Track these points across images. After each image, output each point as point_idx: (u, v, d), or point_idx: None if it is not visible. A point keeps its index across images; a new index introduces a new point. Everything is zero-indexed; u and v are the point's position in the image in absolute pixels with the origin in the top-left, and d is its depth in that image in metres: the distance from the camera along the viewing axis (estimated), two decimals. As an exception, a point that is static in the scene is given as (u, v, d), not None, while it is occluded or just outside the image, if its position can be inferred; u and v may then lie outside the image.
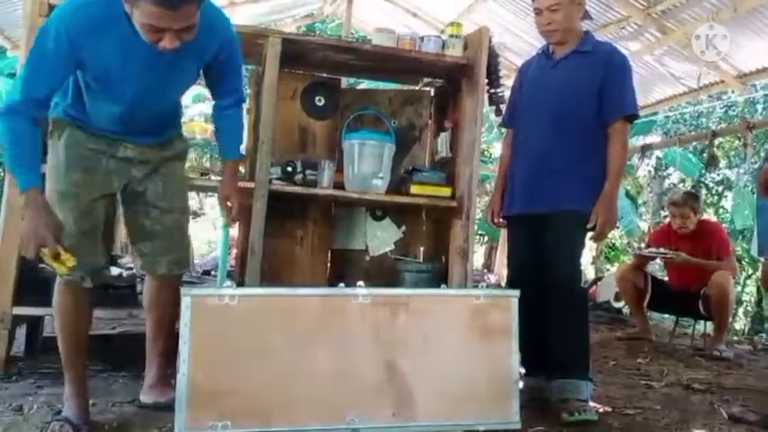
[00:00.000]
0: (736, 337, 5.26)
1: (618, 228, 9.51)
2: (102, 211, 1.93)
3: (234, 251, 4.66)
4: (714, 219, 10.26)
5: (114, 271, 3.29)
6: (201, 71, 1.97)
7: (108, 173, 1.93)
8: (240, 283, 2.72)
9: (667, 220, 4.60)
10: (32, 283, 2.54)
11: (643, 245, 4.67)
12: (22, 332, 2.75)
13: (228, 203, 2.15)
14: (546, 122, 2.44)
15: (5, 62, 8.31)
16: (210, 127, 2.61)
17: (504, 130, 2.95)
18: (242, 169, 2.52)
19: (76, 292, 1.92)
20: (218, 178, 2.86)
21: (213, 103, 2.14)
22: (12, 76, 7.55)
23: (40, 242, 1.67)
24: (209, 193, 3.85)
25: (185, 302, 1.71)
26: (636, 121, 7.27)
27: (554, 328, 2.36)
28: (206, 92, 2.39)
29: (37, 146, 1.76)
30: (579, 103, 2.39)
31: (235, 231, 2.61)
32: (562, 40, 2.46)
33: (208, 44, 1.83)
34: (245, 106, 2.22)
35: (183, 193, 2.13)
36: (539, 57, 2.62)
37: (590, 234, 2.40)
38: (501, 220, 2.68)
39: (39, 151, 1.77)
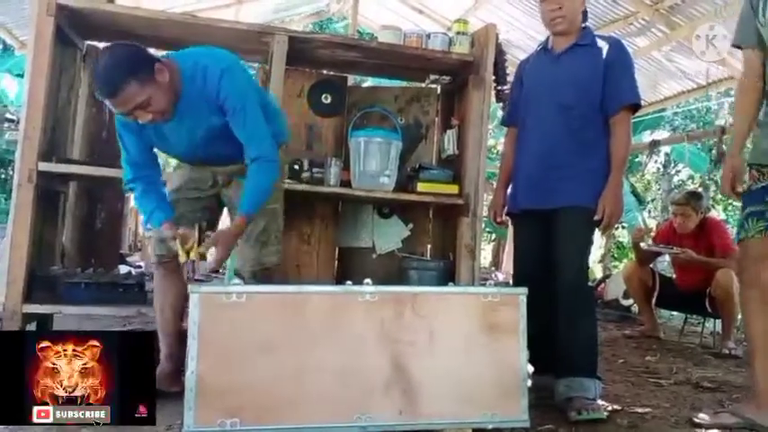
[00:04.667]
0: (745, 335, 5.22)
1: (624, 227, 9.47)
2: (188, 211, 2.22)
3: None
4: (721, 216, 10.19)
5: (123, 269, 3.32)
6: None
7: (196, 181, 2.24)
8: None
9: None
10: (42, 282, 2.56)
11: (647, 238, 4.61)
12: (31, 329, 2.76)
13: (214, 248, 2.10)
14: (549, 117, 2.41)
15: (13, 61, 8.37)
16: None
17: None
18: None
19: (159, 271, 2.26)
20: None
21: None
22: (20, 76, 7.58)
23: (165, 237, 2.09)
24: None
25: (193, 300, 1.71)
26: (644, 118, 7.21)
27: (562, 326, 2.34)
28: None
29: (160, 195, 2.14)
30: (582, 95, 2.37)
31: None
32: (566, 29, 2.43)
33: (209, 93, 1.99)
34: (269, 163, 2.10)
35: None
36: (537, 53, 2.60)
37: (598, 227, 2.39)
38: (503, 218, 2.66)
39: (164, 198, 2.14)
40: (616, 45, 2.44)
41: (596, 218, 2.32)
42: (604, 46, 2.41)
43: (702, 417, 2.32)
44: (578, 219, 2.35)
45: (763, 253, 2.17)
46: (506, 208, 2.64)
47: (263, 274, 2.25)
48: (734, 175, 2.21)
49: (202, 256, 2.08)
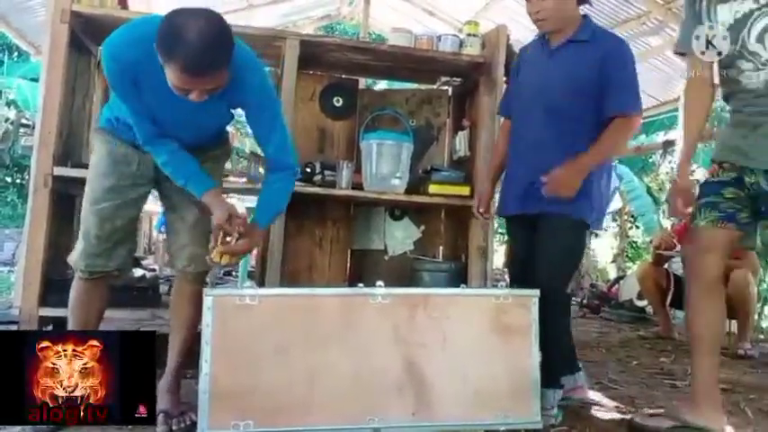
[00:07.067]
0: (762, 336, 5.17)
1: (638, 226, 9.40)
2: (124, 218, 1.95)
3: (254, 252, 4.69)
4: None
5: (137, 272, 3.34)
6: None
7: (137, 176, 1.96)
8: (261, 284, 2.74)
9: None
10: (57, 286, 2.58)
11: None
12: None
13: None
14: (539, 119, 2.29)
15: (29, 66, 8.47)
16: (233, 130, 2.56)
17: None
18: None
19: (88, 284, 2.01)
20: (236, 179, 2.89)
21: None
22: (35, 80, 7.67)
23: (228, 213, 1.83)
24: (229, 194, 3.88)
25: (207, 303, 1.73)
26: (657, 118, 7.08)
27: None
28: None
29: (193, 160, 1.90)
30: (574, 98, 2.23)
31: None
32: (555, 28, 2.30)
33: (234, 93, 1.82)
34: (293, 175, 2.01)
35: None
36: (535, 43, 2.46)
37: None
38: (488, 212, 2.57)
39: (195, 161, 1.90)
40: (615, 44, 2.29)
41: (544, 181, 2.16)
42: (602, 44, 2.26)
43: (638, 420, 2.21)
44: (561, 224, 2.23)
45: (712, 245, 2.10)
46: (496, 208, 2.56)
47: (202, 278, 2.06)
48: (683, 199, 2.10)
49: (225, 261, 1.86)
